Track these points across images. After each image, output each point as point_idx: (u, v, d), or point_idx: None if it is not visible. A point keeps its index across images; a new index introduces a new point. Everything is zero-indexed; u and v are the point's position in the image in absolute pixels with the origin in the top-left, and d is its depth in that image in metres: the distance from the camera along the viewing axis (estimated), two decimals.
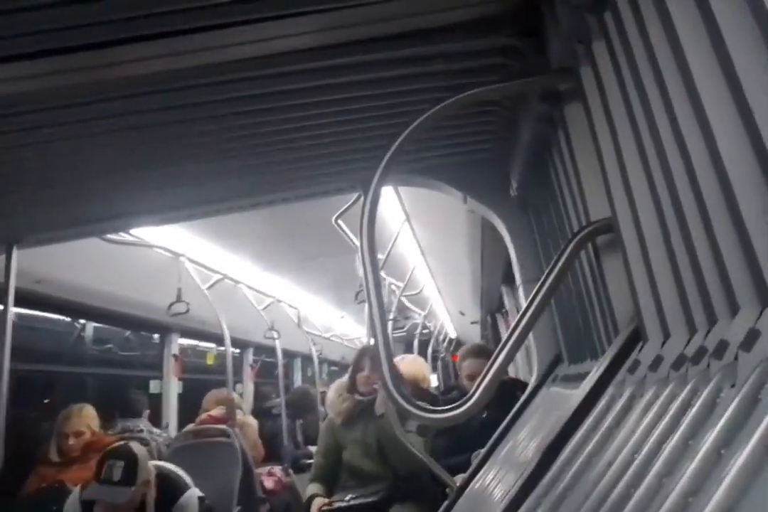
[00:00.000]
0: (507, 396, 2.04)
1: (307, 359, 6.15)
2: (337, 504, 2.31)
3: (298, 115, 1.53)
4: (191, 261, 3.30)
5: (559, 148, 1.35)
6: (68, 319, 4.30)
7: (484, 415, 2.47)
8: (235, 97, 1.41)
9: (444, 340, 8.35)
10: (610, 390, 0.94)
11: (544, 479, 0.93)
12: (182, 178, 1.90)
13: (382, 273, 4.03)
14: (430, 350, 6.92)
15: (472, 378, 2.52)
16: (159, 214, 2.15)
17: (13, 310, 2.23)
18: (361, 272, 2.98)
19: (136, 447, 2.05)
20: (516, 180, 1.74)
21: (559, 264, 1.13)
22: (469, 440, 2.10)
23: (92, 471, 2.46)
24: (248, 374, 5.15)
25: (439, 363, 8.44)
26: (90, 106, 1.36)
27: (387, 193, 3.00)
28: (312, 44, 1.25)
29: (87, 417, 2.66)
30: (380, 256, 3.51)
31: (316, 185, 2.09)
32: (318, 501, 2.36)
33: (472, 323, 6.62)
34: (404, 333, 6.56)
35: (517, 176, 1.72)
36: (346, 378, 2.73)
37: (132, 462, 1.95)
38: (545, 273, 1.15)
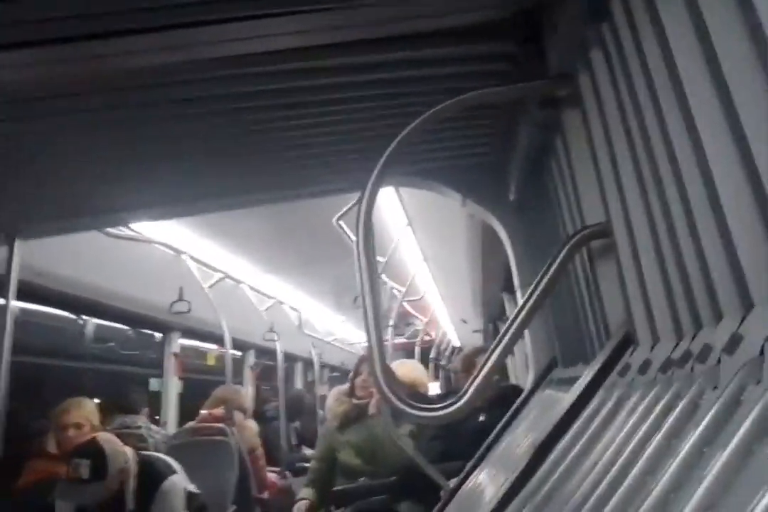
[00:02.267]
0: (506, 402, 2.04)
1: (308, 364, 6.15)
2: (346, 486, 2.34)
3: (299, 112, 1.55)
4: (193, 259, 3.32)
5: (557, 153, 1.37)
6: (71, 316, 4.34)
7: (481, 420, 2.47)
8: (236, 93, 1.42)
9: (446, 349, 8.33)
10: (600, 393, 0.96)
11: (531, 480, 0.95)
12: (182, 173, 1.91)
13: (384, 277, 4.05)
14: (432, 357, 6.90)
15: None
16: (158, 208, 2.18)
17: (15, 303, 2.25)
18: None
19: (103, 439, 2.05)
20: (514, 184, 1.75)
21: (553, 268, 1.13)
22: (465, 444, 2.10)
23: None
24: (249, 376, 5.15)
25: (441, 371, 8.41)
26: (92, 96, 1.37)
27: (389, 196, 3.02)
28: (313, 42, 1.26)
29: (86, 410, 2.66)
30: (381, 259, 3.53)
31: (316, 184, 2.11)
32: (301, 504, 2.39)
33: (474, 332, 6.60)
34: (405, 340, 6.55)
35: (515, 180, 1.74)
36: (345, 385, 2.77)
37: (99, 457, 1.95)
38: (538, 277, 1.16)
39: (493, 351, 1.09)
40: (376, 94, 1.50)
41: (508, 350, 1.10)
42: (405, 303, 4.81)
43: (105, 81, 1.32)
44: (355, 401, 2.66)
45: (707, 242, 0.69)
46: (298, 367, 6.27)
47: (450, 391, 3.11)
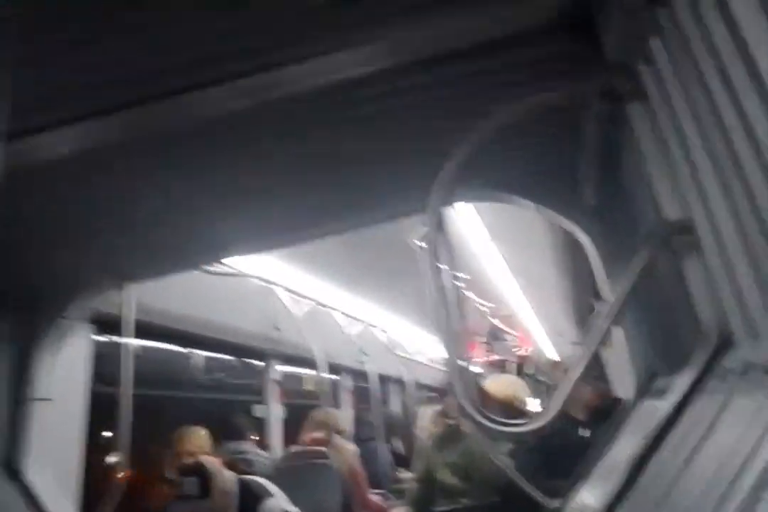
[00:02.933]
0: (608, 416, 1.95)
1: (402, 384, 6.16)
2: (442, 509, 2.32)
3: (369, 136, 1.59)
4: (285, 289, 3.48)
5: (626, 149, 1.32)
6: (183, 350, 4.66)
7: (581, 434, 2.36)
8: (314, 126, 1.49)
9: (546, 364, 8.01)
10: (699, 400, 0.91)
11: (630, 495, 0.90)
12: (268, 209, 2.03)
13: (470, 295, 4.01)
14: (530, 373, 6.66)
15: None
16: (252, 243, 2.31)
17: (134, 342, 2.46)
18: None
19: (207, 461, 2.16)
20: (587, 185, 1.69)
21: (633, 270, 1.09)
22: (562, 459, 2.02)
23: None
24: (346, 399, 5.24)
25: (543, 387, 8.08)
26: (178, 147, 1.49)
27: (467, 212, 3.02)
28: (377, 68, 1.29)
29: (199, 438, 2.84)
30: (464, 276, 3.50)
31: (394, 207, 2.15)
32: None
33: (573, 344, 6.31)
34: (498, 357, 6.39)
35: (588, 182, 1.68)
36: (437, 406, 2.77)
37: (204, 476, 2.05)
38: (622, 282, 1.11)
39: (577, 364, 1.06)
40: (438, 111, 1.51)
41: (592, 362, 1.05)
42: (496, 320, 4.72)
43: (188, 132, 1.44)
44: (451, 421, 2.64)
45: None
46: (393, 388, 6.29)
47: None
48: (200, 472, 2.06)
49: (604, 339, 1.07)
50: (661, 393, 1.39)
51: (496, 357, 6.38)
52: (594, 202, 1.74)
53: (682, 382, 1.00)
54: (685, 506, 0.69)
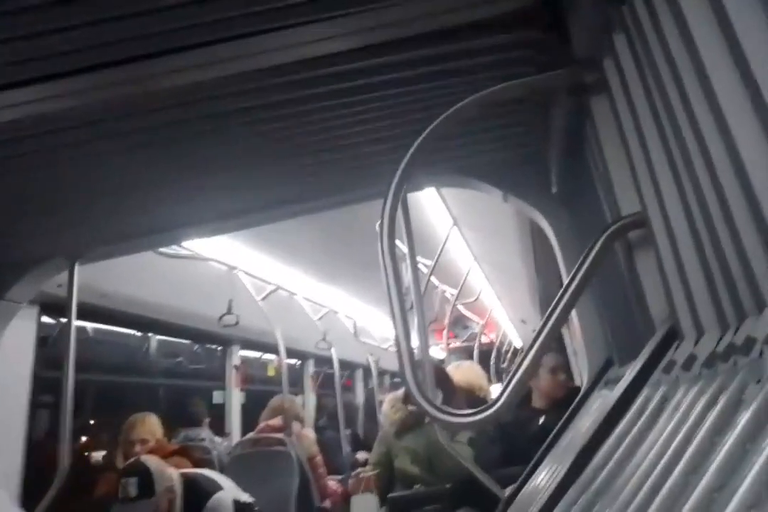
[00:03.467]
0: (567, 405, 1.95)
1: (368, 371, 6.17)
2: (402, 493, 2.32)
3: (330, 117, 1.55)
4: (246, 273, 3.39)
5: (589, 141, 1.32)
6: (139, 334, 4.54)
7: (541, 422, 2.37)
8: (269, 103, 1.44)
9: (509, 351, 8.14)
10: (645, 392, 0.92)
11: (576, 483, 0.90)
12: (226, 189, 1.96)
13: (434, 280, 3.99)
14: (492, 360, 6.74)
15: (555, 371, 2.43)
16: (206, 225, 2.22)
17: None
18: (405, 280, 2.95)
19: (148, 460, 2.11)
20: (554, 175, 1.68)
21: (587, 261, 1.07)
22: (524, 449, 2.02)
23: None
24: (309, 385, 5.21)
25: (504, 374, 8.22)
26: (131, 119, 1.41)
27: (432, 198, 2.98)
28: (341, 48, 1.26)
29: (151, 426, 2.76)
30: (429, 262, 3.48)
31: (354, 190, 2.10)
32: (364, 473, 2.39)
33: (534, 331, 6.40)
34: (465, 344, 6.45)
35: (554, 171, 1.67)
36: (400, 391, 2.75)
37: (146, 476, 2.00)
38: (573, 271, 1.10)
39: (527, 353, 1.03)
40: (404, 93, 1.48)
41: (543, 350, 1.03)
42: (460, 306, 4.73)
43: (143, 103, 1.36)
44: (410, 407, 2.63)
45: (743, 228, 0.66)
46: (358, 375, 6.30)
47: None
48: (141, 472, 2.00)
49: (555, 328, 1.05)
50: (614, 382, 1.40)
51: (459, 343, 6.43)
52: (560, 192, 1.73)
53: (631, 373, 1.01)
54: (625, 494, 0.71)
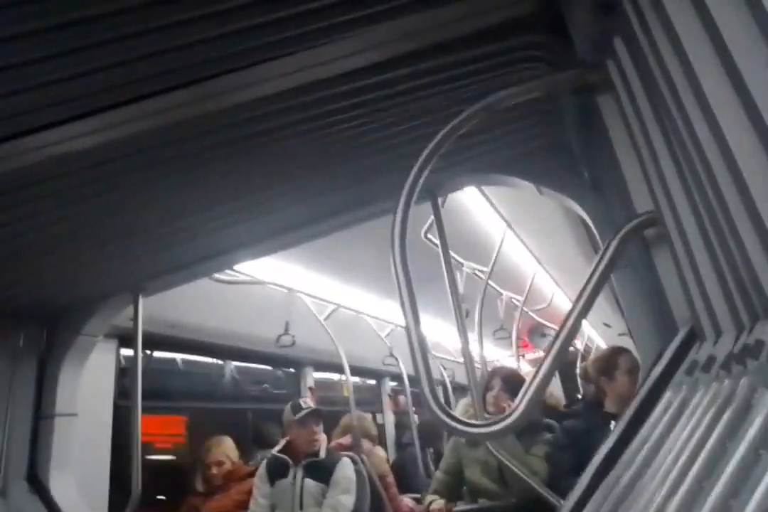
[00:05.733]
0: None
1: (445, 387, 6.04)
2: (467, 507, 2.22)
3: (361, 129, 1.59)
4: (306, 294, 3.46)
5: (602, 137, 1.28)
6: (220, 362, 4.73)
7: (613, 427, 2.21)
8: (310, 116, 1.48)
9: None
10: (667, 394, 0.89)
11: (599, 489, 0.85)
12: (271, 206, 2.02)
13: (494, 286, 3.87)
14: (578, 370, 6.38)
15: (632, 372, 2.28)
16: (257, 246, 2.30)
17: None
18: (461, 288, 2.88)
19: None
20: (583, 163, 1.62)
21: (603, 261, 1.02)
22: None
23: (230, 500, 2.62)
24: (386, 404, 5.17)
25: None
26: (176, 145, 1.49)
27: (480, 201, 2.92)
28: (361, 64, 1.30)
29: (225, 448, 2.85)
30: (485, 269, 3.39)
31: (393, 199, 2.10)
32: (436, 504, 2.29)
33: (620, 335, 6.02)
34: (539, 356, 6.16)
35: (582, 159, 1.60)
36: (469, 398, 2.66)
37: None
38: (590, 271, 1.04)
39: (546, 358, 0.97)
40: (427, 102, 1.50)
41: (562, 355, 0.97)
42: (531, 314, 4.55)
43: (186, 128, 1.43)
44: (486, 416, 2.52)
45: (742, 229, 0.65)
46: (437, 391, 6.16)
47: (578, 400, 2.84)
48: None
49: (573, 331, 0.98)
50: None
51: (535, 354, 6.16)
52: (589, 178, 1.65)
53: (652, 375, 0.99)
54: (644, 501, 0.68)
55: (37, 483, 2.11)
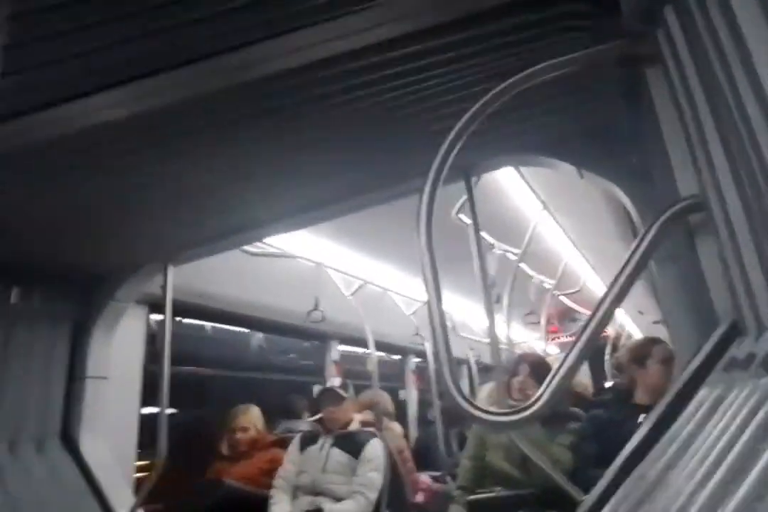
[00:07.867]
0: None
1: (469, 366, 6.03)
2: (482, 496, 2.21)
3: (393, 104, 1.53)
4: (335, 269, 3.46)
5: (648, 114, 1.20)
6: (246, 331, 4.82)
7: (641, 420, 2.15)
8: (345, 87, 1.43)
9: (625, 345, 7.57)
10: (701, 391, 0.84)
11: (619, 491, 0.82)
12: (302, 181, 1.99)
13: (527, 269, 3.79)
14: (606, 356, 6.28)
15: (667, 362, 2.23)
16: (287, 220, 2.29)
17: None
18: (492, 270, 2.82)
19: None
20: (627, 145, 1.53)
21: (643, 246, 0.95)
22: (620, 450, 1.84)
23: (255, 468, 2.70)
24: (410, 380, 5.21)
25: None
26: (211, 114, 1.46)
27: (517, 182, 2.83)
28: (392, 34, 1.24)
29: (252, 416, 2.92)
30: (517, 251, 3.31)
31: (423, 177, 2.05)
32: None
33: (654, 323, 5.88)
34: (569, 340, 6.07)
35: (626, 141, 1.52)
36: (492, 383, 2.63)
37: None
38: (628, 256, 0.97)
39: (573, 347, 0.93)
40: (459, 75, 1.43)
41: (592, 343, 0.92)
42: (563, 298, 4.46)
43: (222, 97, 1.39)
44: (511, 402, 2.49)
45: None
46: (463, 371, 6.18)
47: (607, 388, 2.78)
48: None
49: (606, 318, 0.93)
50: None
51: (565, 338, 6.07)
52: (635, 161, 1.56)
53: (687, 370, 0.93)
54: (669, 494, 0.66)
55: (70, 442, 2.20)
